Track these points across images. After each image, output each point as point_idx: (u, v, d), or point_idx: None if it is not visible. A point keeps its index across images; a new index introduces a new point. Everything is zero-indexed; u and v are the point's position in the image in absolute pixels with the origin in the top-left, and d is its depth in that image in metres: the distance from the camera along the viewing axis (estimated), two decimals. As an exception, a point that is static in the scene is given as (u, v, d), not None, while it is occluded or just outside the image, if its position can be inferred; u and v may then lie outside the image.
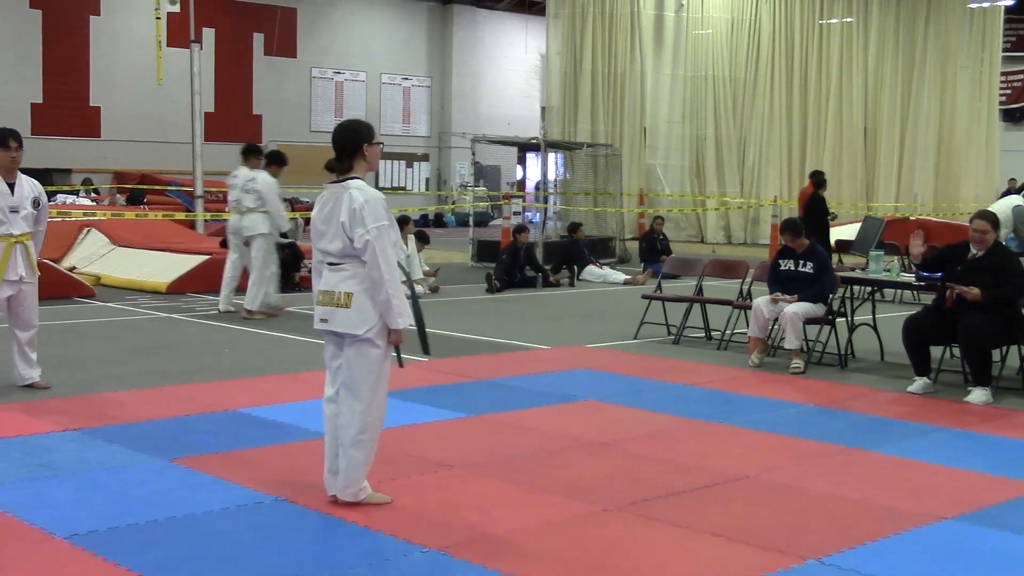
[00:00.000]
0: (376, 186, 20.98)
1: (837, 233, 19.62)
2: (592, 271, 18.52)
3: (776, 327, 10.52)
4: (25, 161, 8.53)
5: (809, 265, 10.25)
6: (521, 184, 27.96)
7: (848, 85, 28.16)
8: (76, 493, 5.81)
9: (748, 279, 11.67)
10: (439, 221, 32.64)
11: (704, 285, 12.20)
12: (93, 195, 27.04)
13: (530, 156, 27.28)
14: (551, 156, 23.73)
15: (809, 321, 10.13)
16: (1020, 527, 5.58)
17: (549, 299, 15.98)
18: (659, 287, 12.57)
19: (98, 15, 29.72)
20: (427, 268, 16.14)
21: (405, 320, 5.54)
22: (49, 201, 9.03)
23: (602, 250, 21.31)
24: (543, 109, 25.87)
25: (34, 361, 8.56)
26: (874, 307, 11.07)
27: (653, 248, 19.62)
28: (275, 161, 13.25)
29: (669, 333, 11.85)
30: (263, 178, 12.89)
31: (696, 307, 11.83)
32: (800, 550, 5.12)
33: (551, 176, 23.97)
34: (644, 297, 12.37)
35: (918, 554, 5.15)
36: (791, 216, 12.92)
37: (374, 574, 4.76)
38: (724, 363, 10.49)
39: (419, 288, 15.14)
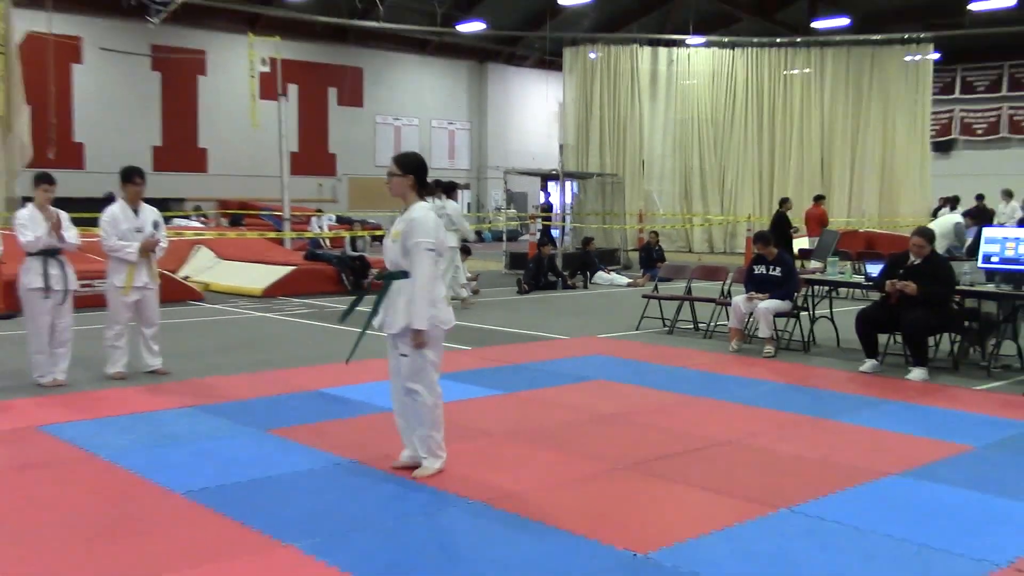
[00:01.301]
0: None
1: (800, 243, 19.51)
2: (602, 276, 18.45)
3: (751, 320, 10.44)
4: (147, 192, 8.57)
5: (778, 269, 10.18)
6: (544, 207, 27.88)
7: (808, 124, 27.96)
8: (191, 458, 5.83)
9: (728, 281, 11.60)
10: (478, 237, 32.60)
11: (692, 286, 12.14)
12: (202, 219, 27.19)
13: (551, 184, 27.26)
14: (568, 184, 23.68)
15: (778, 314, 10.06)
16: (952, 480, 5.51)
17: (567, 299, 15.94)
18: (656, 288, 12.53)
19: (205, 75, 29.90)
20: (469, 275, 16.11)
21: None
22: (166, 224, 9.02)
23: (610, 259, 21.25)
24: (561, 146, 25.79)
25: (156, 352, 8.61)
26: (831, 303, 10.96)
27: (650, 257, 19.53)
28: (445, 189, 13.98)
29: (664, 325, 11.78)
30: (451, 205, 13.75)
31: (686, 304, 11.77)
32: (774, 501, 5.07)
33: (568, 199, 23.91)
34: (644, 296, 12.31)
35: (872, 503, 5.09)
36: (762, 230, 12.84)
37: (430, 520, 4.75)
38: (709, 349, 10.42)
39: (463, 292, 15.15)
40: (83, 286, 9.71)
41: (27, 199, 8.38)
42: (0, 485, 5.28)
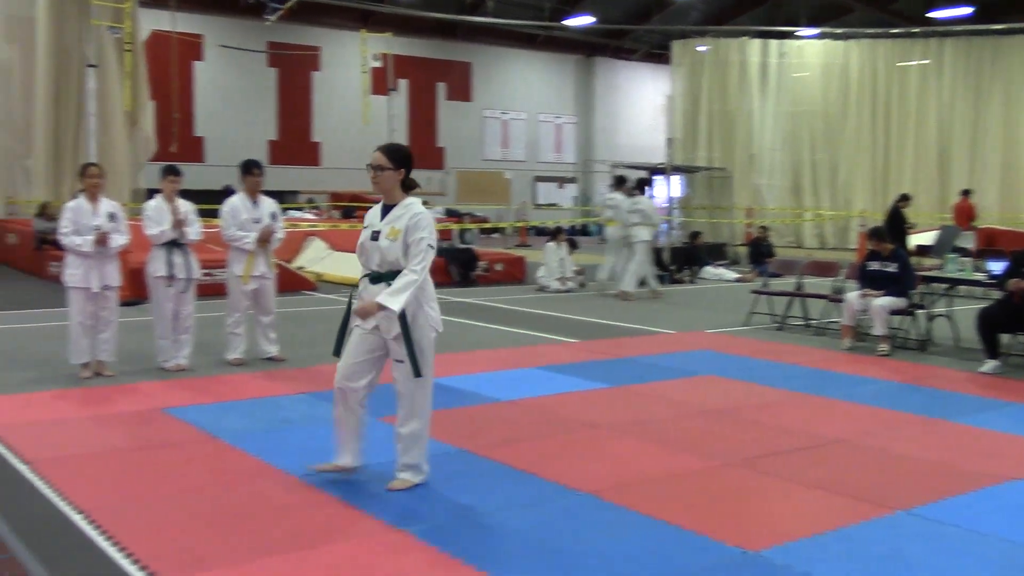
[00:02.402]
0: (534, 204, 21.43)
1: (917, 239, 18.92)
2: (709, 271, 18.22)
3: (865, 317, 10.16)
4: (264, 184, 8.79)
5: (893, 265, 9.87)
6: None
7: (924, 117, 27.13)
8: (306, 442, 5.95)
9: (840, 277, 11.32)
10: (584, 231, 32.52)
11: (803, 282, 11.88)
12: (315, 211, 27.82)
13: (657, 178, 27.01)
14: (675, 178, 23.43)
15: (893, 312, 9.76)
16: (1082, 487, 5.27)
17: (674, 293, 15.77)
18: (765, 284, 12.30)
19: (318, 71, 30.56)
20: (576, 268, 16.11)
21: None
22: (283, 215, 9.24)
23: (717, 253, 20.94)
24: (668, 140, 25.49)
25: (274, 339, 8.82)
26: (950, 301, 10.60)
27: (759, 252, 19.20)
28: (638, 184, 15.16)
29: (774, 321, 11.56)
30: (644, 200, 14.51)
31: (796, 300, 11.53)
32: (890, 502, 4.92)
33: (675, 194, 23.66)
34: (753, 292, 12.11)
35: (993, 507, 4.90)
36: (877, 225, 12.46)
37: (538, 510, 4.75)
38: (820, 346, 10.18)
39: (570, 284, 15.18)
40: (205, 275, 10.02)
41: (151, 191, 8.70)
42: (127, 464, 5.50)
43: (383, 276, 4.95)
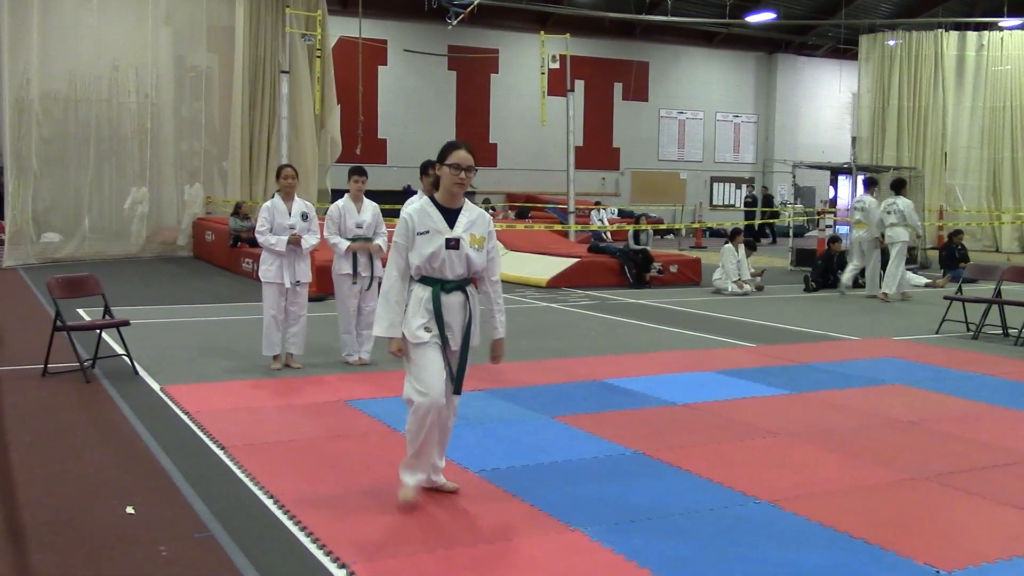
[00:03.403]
0: (710, 204, 21.20)
1: None
2: (896, 275, 17.42)
3: (1072, 327, 9.50)
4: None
5: (1106, 272, 9.19)
6: (833, 202, 26.74)
7: None
8: (482, 438, 6.06)
9: (1045, 284, 10.63)
10: (762, 232, 31.67)
11: (1002, 288, 11.21)
12: (491, 211, 28.28)
13: (841, 178, 26.09)
14: (860, 178, 22.54)
15: (1105, 322, 9.09)
16: None
17: (858, 298, 15.16)
18: (960, 289, 11.67)
19: (496, 73, 31.05)
20: (753, 270, 15.74)
21: (378, 328, 4.75)
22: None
23: (906, 257, 20.01)
24: (853, 139, 24.62)
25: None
26: None
27: (952, 256, 18.25)
28: (895, 186, 15.16)
29: (968, 330, 10.95)
30: (903, 201, 14.70)
31: (994, 308, 10.89)
32: (1100, 526, 4.58)
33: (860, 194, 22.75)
34: (946, 298, 11.51)
35: None
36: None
37: (716, 517, 4.67)
38: (1021, 357, 9.57)
39: (747, 287, 14.90)
40: (386, 272, 10.35)
41: (336, 191, 9.03)
42: (314, 453, 5.75)
43: (460, 285, 4.75)
